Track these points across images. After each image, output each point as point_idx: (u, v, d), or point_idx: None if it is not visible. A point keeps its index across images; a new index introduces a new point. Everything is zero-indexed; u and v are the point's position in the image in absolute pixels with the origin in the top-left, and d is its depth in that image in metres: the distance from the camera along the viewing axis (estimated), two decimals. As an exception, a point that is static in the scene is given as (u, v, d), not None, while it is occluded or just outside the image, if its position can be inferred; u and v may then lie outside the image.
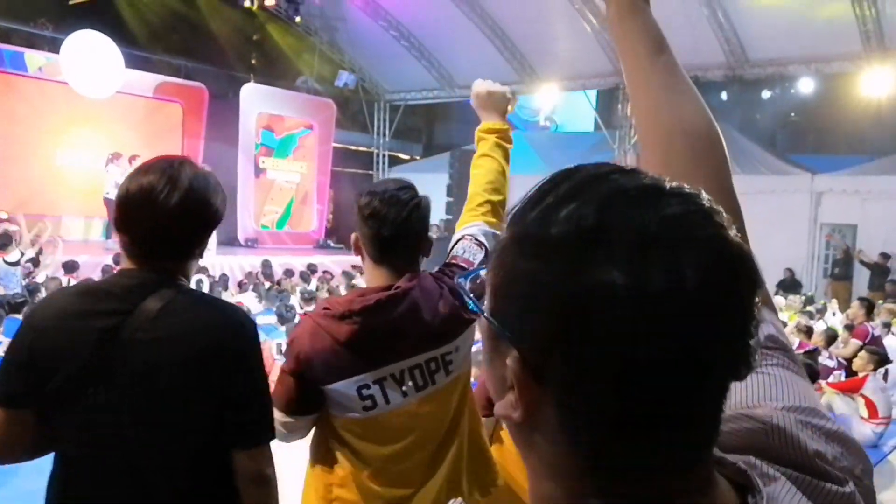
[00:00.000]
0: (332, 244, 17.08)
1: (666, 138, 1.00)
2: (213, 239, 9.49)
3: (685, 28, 14.86)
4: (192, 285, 1.79)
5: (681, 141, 0.98)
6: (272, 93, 15.85)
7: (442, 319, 1.98)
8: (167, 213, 1.60)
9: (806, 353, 6.18)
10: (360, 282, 11.23)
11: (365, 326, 1.90)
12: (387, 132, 21.36)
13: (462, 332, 2.05)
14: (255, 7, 15.69)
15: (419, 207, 1.99)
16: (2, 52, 12.84)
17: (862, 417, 6.16)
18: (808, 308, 11.44)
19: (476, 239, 2.17)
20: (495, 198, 2.26)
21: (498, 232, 2.15)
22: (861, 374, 6.36)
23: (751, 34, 14.58)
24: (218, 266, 12.03)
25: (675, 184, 0.61)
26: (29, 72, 13.18)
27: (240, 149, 15.06)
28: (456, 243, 2.19)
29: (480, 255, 2.13)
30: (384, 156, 21.67)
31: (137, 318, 1.56)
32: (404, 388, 1.96)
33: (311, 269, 12.36)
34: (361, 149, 21.84)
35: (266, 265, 12.11)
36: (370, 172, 21.81)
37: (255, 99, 15.38)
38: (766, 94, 16.21)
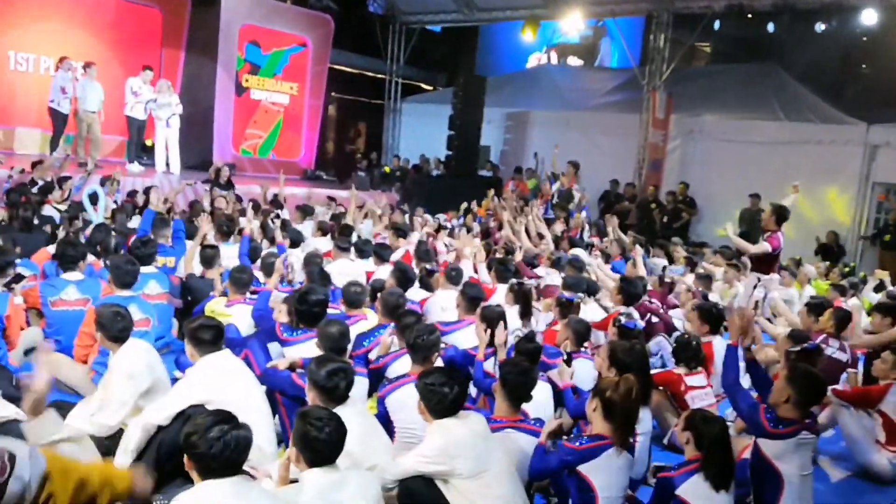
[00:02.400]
0: (324, 176, 15.60)
1: None
2: (176, 158, 8.06)
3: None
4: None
5: None
6: (260, 3, 14.17)
7: None
8: None
9: (802, 350, 4.53)
10: (306, 226, 9.66)
11: None
12: (401, 57, 19.62)
13: None
14: None
15: None
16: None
17: (878, 442, 4.56)
18: (842, 281, 9.64)
19: None
20: None
21: None
22: (882, 383, 4.71)
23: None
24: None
25: None
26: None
27: (219, 64, 13.55)
28: None
29: None
30: (397, 83, 19.98)
31: None
32: None
33: (276, 202, 10.83)
34: (378, 75, 20.19)
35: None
36: (381, 102, 20.23)
37: (240, 8, 13.76)
38: (819, 28, 13.93)
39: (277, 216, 8.18)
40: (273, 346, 4.97)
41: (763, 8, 13.67)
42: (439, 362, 4.25)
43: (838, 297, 8.45)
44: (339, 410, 3.27)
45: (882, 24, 12.95)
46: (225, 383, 3.57)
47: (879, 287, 10.06)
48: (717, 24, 15.34)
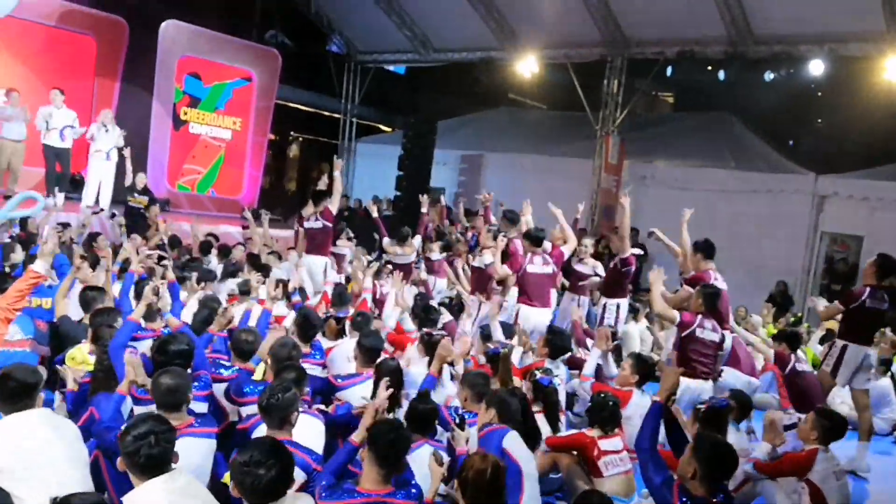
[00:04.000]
0: (266, 214, 15.01)
1: None
2: (109, 194, 7.35)
3: (681, -7, 12.73)
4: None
5: None
6: (201, 34, 13.71)
7: None
8: None
9: (710, 408, 4.13)
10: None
11: None
12: (356, 97, 19.28)
13: None
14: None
15: None
16: None
17: (803, 516, 4.09)
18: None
19: None
20: None
21: None
22: (806, 447, 4.25)
23: (756, 5, 12.34)
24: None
25: None
26: None
27: (155, 96, 13.05)
28: None
29: None
30: (352, 123, 19.61)
31: None
32: None
33: (173, 241, 9.91)
34: (335, 115, 19.75)
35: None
36: (335, 142, 19.81)
37: (180, 38, 13.31)
38: (769, 76, 13.89)
39: (162, 258, 7.48)
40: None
41: (715, 55, 13.59)
42: (306, 424, 3.72)
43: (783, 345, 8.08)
44: (149, 484, 2.71)
45: (831, 76, 12.92)
46: (27, 449, 2.99)
47: (826, 338, 9.70)
48: (672, 72, 15.26)
